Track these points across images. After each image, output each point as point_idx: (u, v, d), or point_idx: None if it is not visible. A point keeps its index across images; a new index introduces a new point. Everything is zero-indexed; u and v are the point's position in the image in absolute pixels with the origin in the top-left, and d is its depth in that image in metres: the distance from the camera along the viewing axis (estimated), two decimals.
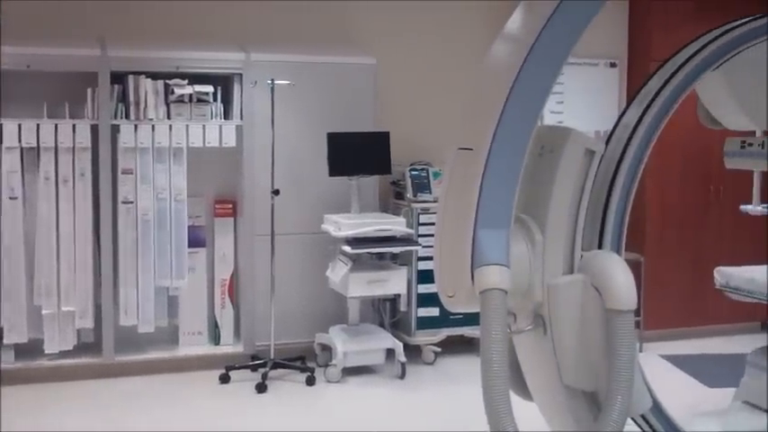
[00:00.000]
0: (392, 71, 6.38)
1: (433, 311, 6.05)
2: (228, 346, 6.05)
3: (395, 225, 5.85)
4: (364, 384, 5.68)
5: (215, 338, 6.09)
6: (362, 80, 6.16)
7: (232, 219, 6.11)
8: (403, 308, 6.11)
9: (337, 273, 5.73)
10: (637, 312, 5.86)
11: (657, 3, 6.73)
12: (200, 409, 5.20)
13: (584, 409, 3.07)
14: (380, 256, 6.00)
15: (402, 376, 5.76)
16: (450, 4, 6.59)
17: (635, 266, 6.12)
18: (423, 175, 6.24)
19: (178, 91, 5.69)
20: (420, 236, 6.00)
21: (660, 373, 5.92)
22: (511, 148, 2.86)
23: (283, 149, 5.80)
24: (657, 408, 3.56)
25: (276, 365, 5.65)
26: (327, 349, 5.89)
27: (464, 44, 6.43)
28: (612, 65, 7.08)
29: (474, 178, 2.83)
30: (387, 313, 6.31)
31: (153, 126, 5.68)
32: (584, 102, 6.87)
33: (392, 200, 6.45)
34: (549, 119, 6.63)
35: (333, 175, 5.88)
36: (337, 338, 5.77)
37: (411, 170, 6.24)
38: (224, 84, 5.91)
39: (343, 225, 5.68)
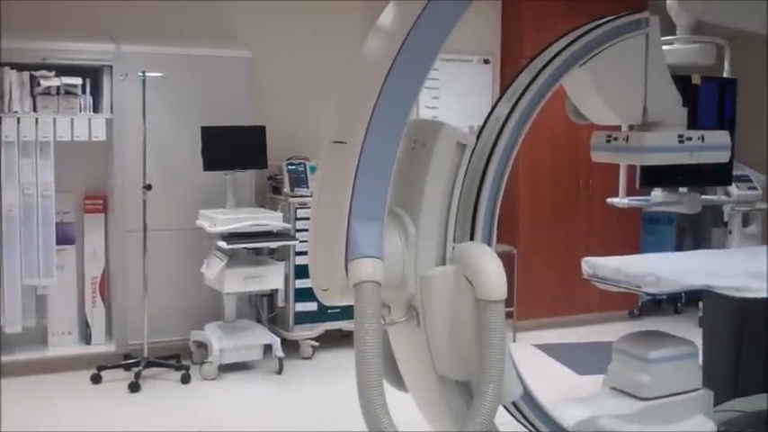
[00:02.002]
0: (269, 65, 6.34)
1: (311, 306, 6.04)
2: (100, 346, 5.89)
3: (271, 220, 5.81)
4: (241, 381, 5.63)
5: (86, 338, 5.92)
6: (238, 73, 6.09)
7: (102, 215, 5.95)
8: (280, 303, 6.09)
9: (213, 269, 5.66)
10: (510, 303, 5.96)
11: (529, 1, 6.89)
12: (71, 410, 5.05)
13: (458, 398, 3.11)
14: (257, 251, 5.96)
15: (279, 371, 5.73)
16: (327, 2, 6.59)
17: (508, 258, 6.27)
18: (300, 169, 6.21)
19: (45, 83, 5.50)
20: (297, 230, 5.98)
21: (532, 361, 6.08)
22: (384, 141, 2.88)
23: (156, 143, 5.68)
24: (528, 395, 3.65)
25: (150, 364, 5.54)
26: (203, 346, 5.80)
27: (341, 38, 6.42)
28: (486, 61, 7.20)
29: (347, 172, 2.84)
30: (264, 309, 6.27)
31: (18, 119, 5.47)
32: (458, 97, 6.97)
33: (269, 195, 6.40)
34: (424, 114, 6.70)
35: (207, 169, 5.79)
36: (213, 335, 5.70)
37: (288, 165, 6.21)
38: (93, 76, 5.74)
39: (218, 220, 5.61)
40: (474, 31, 6.91)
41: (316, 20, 6.60)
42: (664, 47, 3.93)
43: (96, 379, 5.48)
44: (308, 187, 6.09)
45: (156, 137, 5.67)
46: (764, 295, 3.99)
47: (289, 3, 6.48)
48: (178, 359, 5.72)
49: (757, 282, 4.02)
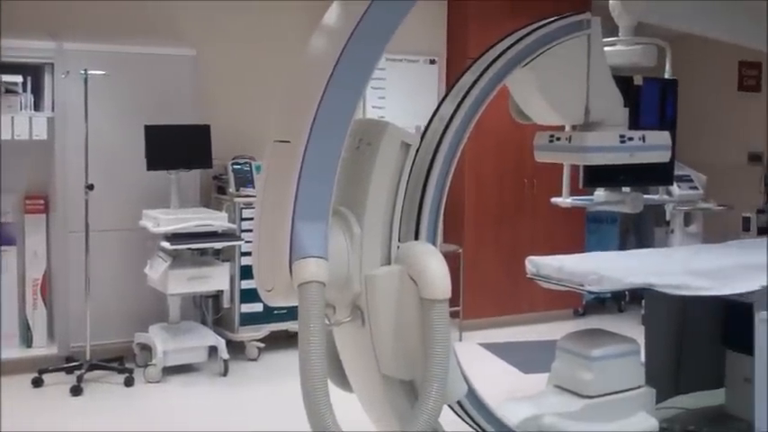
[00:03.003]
0: (213, 63, 6.29)
1: (257, 307, 6.01)
2: (41, 349, 5.78)
3: (216, 220, 5.76)
4: (185, 383, 5.57)
5: (27, 341, 5.81)
6: (182, 72, 6.03)
7: (44, 215, 5.85)
8: (226, 304, 6.04)
9: (156, 269, 5.60)
10: (456, 302, 5.96)
11: (474, 2, 6.93)
12: (12, 414, 4.93)
13: (402, 398, 3.11)
14: (202, 251, 5.90)
15: (225, 373, 5.68)
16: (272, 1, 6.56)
17: (454, 258, 6.29)
18: (245, 169, 6.17)
19: None
20: (243, 231, 5.92)
21: (478, 360, 6.11)
22: (328, 140, 2.87)
23: (99, 142, 5.60)
24: (473, 394, 3.66)
25: (92, 367, 5.46)
26: (147, 349, 5.73)
27: (286, 37, 6.39)
28: (432, 62, 7.23)
29: (292, 171, 2.82)
30: (209, 310, 6.22)
31: None
32: (405, 97, 6.99)
33: (214, 194, 6.35)
34: (370, 114, 6.70)
35: (151, 168, 5.72)
36: (157, 337, 5.63)
37: (233, 164, 6.16)
38: (34, 73, 5.64)
39: (162, 220, 5.54)
40: (420, 32, 6.94)
41: (260, 18, 6.56)
42: (606, 48, 3.97)
43: (37, 383, 5.39)
44: (253, 187, 6.05)
45: (98, 136, 5.58)
46: (703, 293, 4.05)
47: (233, 2, 6.43)
48: (121, 362, 5.64)
49: (696, 280, 4.08)
